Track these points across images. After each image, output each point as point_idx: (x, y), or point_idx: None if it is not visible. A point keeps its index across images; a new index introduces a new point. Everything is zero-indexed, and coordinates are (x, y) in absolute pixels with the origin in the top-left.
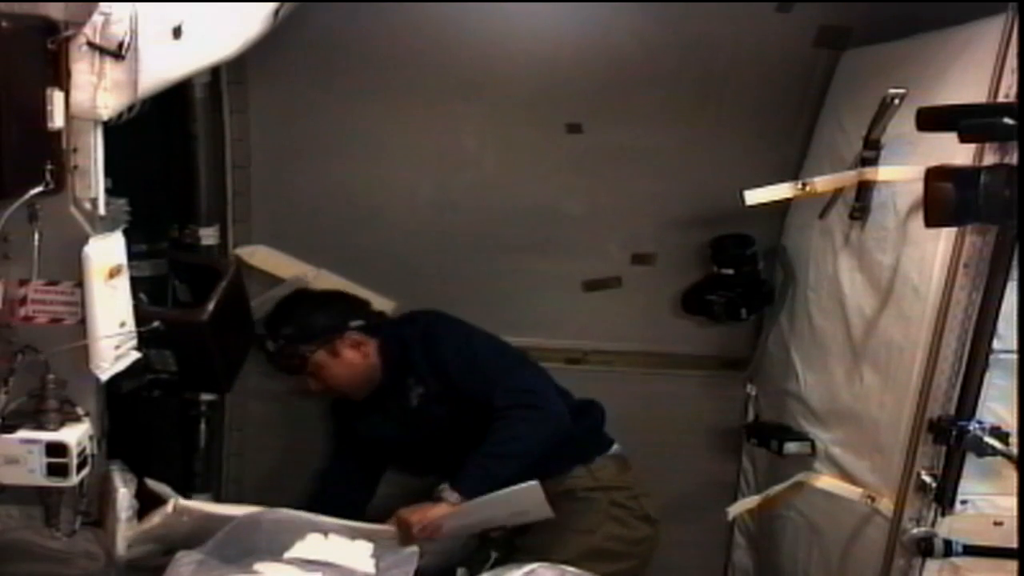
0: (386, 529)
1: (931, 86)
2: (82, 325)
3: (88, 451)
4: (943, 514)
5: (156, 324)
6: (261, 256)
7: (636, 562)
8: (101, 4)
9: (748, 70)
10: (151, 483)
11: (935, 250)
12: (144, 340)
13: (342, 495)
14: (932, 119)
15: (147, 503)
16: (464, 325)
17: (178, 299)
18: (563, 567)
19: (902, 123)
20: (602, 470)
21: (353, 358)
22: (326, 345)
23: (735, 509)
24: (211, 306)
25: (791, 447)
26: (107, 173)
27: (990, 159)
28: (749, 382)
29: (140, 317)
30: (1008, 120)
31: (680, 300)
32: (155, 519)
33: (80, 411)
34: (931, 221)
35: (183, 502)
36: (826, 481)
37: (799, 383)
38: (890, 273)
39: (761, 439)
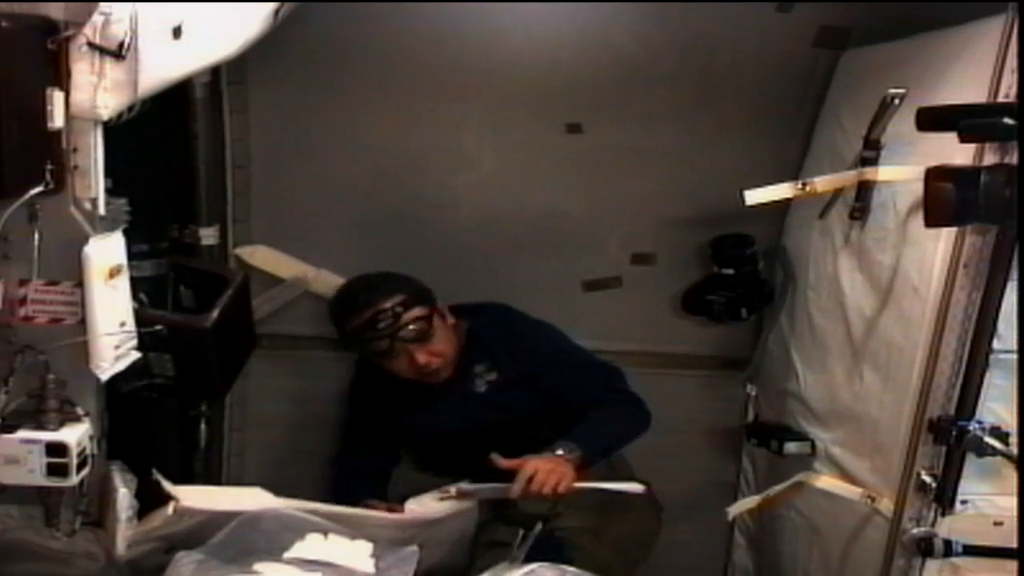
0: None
1: (931, 86)
2: (82, 325)
3: (88, 451)
4: (943, 514)
5: (159, 328)
6: (261, 256)
7: (646, 551)
8: (101, 4)
9: (748, 70)
10: (161, 480)
11: (935, 250)
12: (145, 343)
13: (362, 489)
14: (932, 119)
15: (148, 503)
16: (532, 317)
17: (181, 304)
18: (563, 567)
19: (902, 123)
20: (619, 465)
21: (451, 324)
22: (436, 308)
23: (735, 509)
24: (215, 313)
25: (791, 447)
26: (107, 173)
27: (990, 159)
28: (749, 382)
29: (143, 320)
30: (1008, 120)
31: (680, 300)
32: (155, 520)
33: (80, 411)
34: (931, 221)
35: (184, 503)
36: (826, 481)
37: (799, 383)
38: (890, 273)
39: (761, 439)
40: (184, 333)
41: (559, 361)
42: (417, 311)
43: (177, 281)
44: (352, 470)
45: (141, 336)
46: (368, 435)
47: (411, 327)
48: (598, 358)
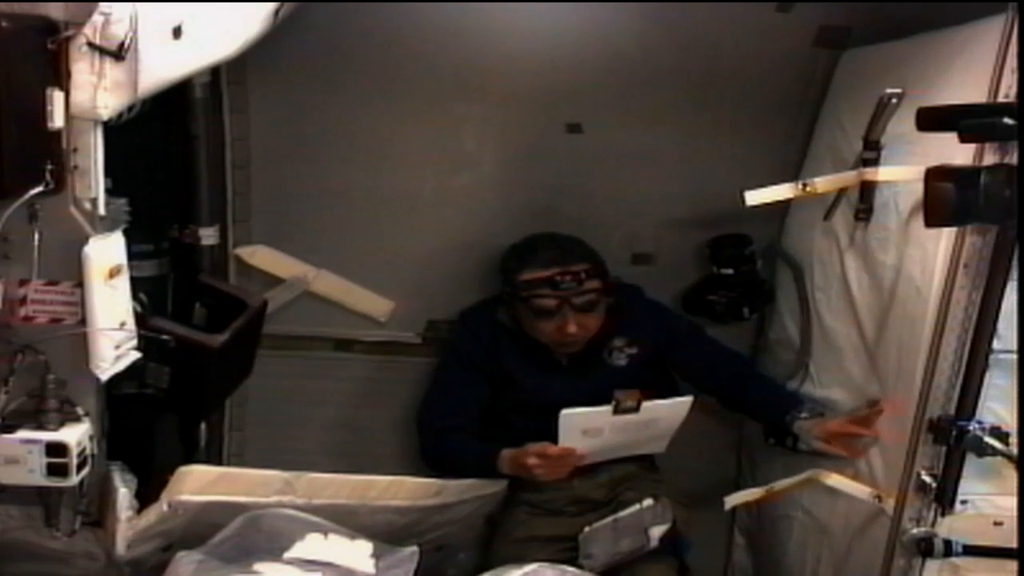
0: None
1: (931, 86)
2: (82, 325)
3: (88, 451)
4: (943, 514)
5: (168, 339)
6: (261, 256)
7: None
8: (101, 4)
9: (748, 70)
10: None
11: (936, 250)
12: (150, 352)
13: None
14: (932, 119)
15: (148, 503)
16: None
17: (191, 320)
18: (563, 567)
19: (902, 123)
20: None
21: (608, 303)
22: (605, 285)
23: (733, 500)
24: (226, 336)
25: (804, 444)
26: (107, 173)
27: (990, 159)
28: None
29: (155, 328)
30: (1008, 120)
31: (680, 301)
32: (151, 516)
33: (80, 411)
34: (931, 221)
35: (177, 497)
36: (835, 479)
37: (813, 384)
38: (894, 273)
39: (777, 437)
40: (190, 349)
41: (695, 338)
42: (596, 282)
43: (196, 298)
44: (464, 428)
45: (147, 344)
46: (469, 396)
47: (586, 296)
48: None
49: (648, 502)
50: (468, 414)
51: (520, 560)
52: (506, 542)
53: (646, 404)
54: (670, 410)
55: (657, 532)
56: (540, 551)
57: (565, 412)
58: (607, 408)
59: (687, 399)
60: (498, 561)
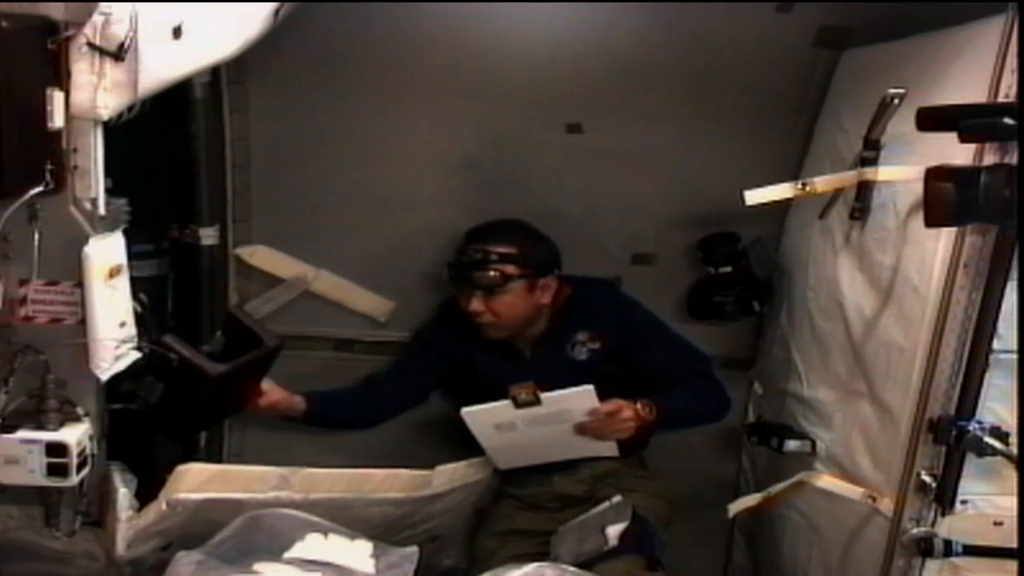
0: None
1: (931, 86)
2: (82, 325)
3: (88, 451)
4: (943, 514)
5: (173, 357)
6: (261, 256)
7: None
8: (101, 4)
9: (748, 70)
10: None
11: (935, 250)
12: (153, 368)
13: (346, 398)
14: (932, 119)
15: (147, 501)
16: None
17: (202, 344)
18: (564, 567)
19: (902, 123)
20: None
21: (538, 300)
22: (529, 280)
23: (735, 507)
24: (226, 368)
25: (791, 445)
26: (107, 173)
27: (990, 159)
28: (756, 380)
29: (161, 345)
30: (1008, 120)
31: (687, 309)
32: (149, 515)
33: (80, 411)
34: (931, 221)
35: (175, 496)
36: (827, 481)
37: (801, 384)
38: (890, 273)
39: (761, 437)
40: (188, 371)
41: (654, 339)
42: (509, 268)
43: (223, 328)
44: (365, 385)
45: (150, 360)
46: (411, 369)
47: (485, 275)
48: (691, 343)
49: (616, 499)
50: (394, 380)
51: (500, 552)
52: (488, 534)
53: (545, 396)
54: (575, 400)
55: (614, 531)
56: (520, 544)
57: (465, 410)
58: (506, 403)
59: (587, 388)
60: (480, 552)
